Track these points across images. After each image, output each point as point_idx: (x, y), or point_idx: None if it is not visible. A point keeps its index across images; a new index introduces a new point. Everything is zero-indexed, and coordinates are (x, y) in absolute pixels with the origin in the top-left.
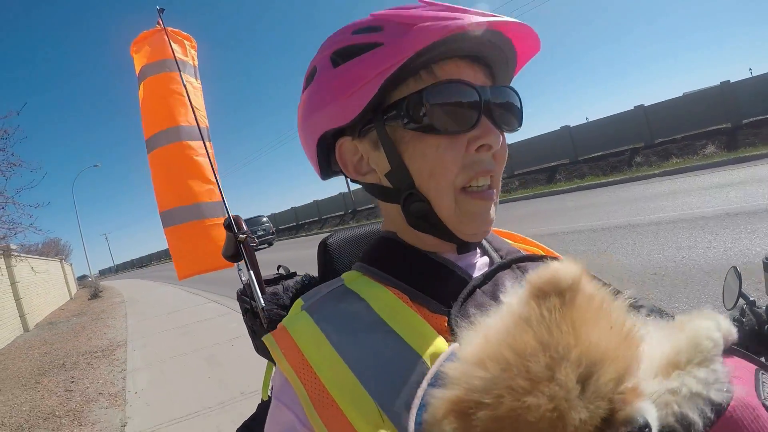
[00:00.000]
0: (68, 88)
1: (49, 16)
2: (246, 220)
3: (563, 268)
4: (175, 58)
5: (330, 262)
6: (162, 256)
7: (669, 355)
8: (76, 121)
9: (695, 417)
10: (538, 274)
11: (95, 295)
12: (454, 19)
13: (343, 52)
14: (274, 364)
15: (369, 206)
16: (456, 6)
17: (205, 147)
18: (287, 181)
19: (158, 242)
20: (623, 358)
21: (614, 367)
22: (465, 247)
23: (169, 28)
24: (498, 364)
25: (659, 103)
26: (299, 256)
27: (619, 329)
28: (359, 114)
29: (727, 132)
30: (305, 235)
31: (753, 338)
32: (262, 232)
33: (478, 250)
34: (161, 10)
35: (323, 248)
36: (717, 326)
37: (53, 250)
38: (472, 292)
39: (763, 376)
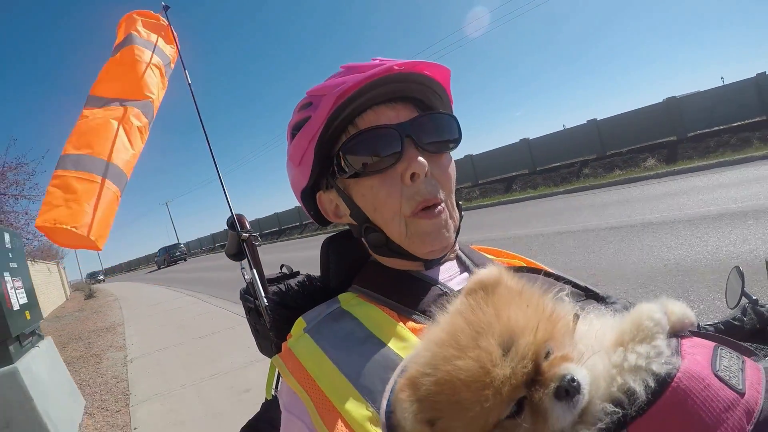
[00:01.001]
0: (54, 99)
1: (43, 27)
2: (168, 246)
3: (486, 271)
4: (167, 54)
5: (332, 260)
6: (150, 260)
7: (616, 336)
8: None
9: (636, 386)
10: (470, 279)
11: (90, 295)
12: (343, 83)
13: (294, 127)
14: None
15: None
16: (363, 64)
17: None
18: (272, 186)
19: (146, 248)
20: (544, 330)
21: (534, 335)
22: (430, 263)
23: (171, 28)
24: (436, 343)
25: (611, 117)
26: (281, 258)
27: (539, 309)
28: (311, 175)
29: (669, 145)
30: (283, 240)
31: (754, 337)
32: (179, 253)
33: (459, 268)
34: (166, 7)
35: (326, 247)
36: (661, 308)
37: (47, 254)
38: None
39: (722, 350)
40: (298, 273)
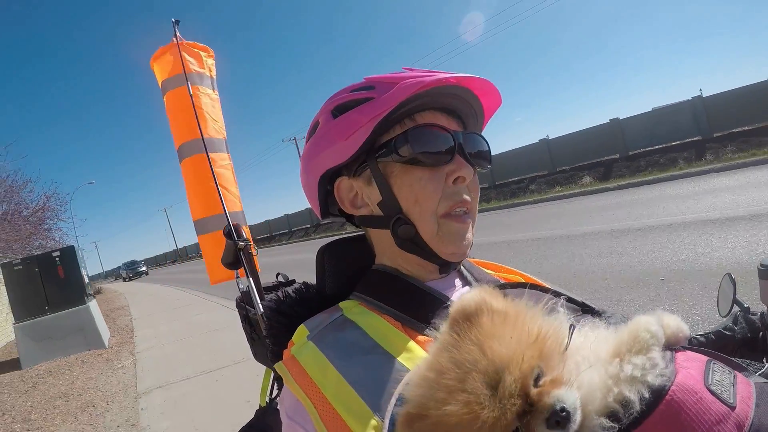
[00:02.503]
0: (57, 103)
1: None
2: (128, 263)
3: (467, 298)
4: (192, 71)
5: (328, 267)
6: (150, 264)
7: (613, 347)
8: (65, 134)
9: (632, 396)
10: (452, 307)
11: (98, 292)
12: (429, 76)
13: (342, 107)
14: (273, 371)
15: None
16: (432, 70)
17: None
18: (264, 195)
19: (143, 251)
20: (530, 357)
21: (520, 368)
22: (446, 268)
23: (186, 42)
24: (426, 383)
25: (561, 136)
26: (272, 261)
27: (524, 335)
28: (355, 153)
29: (606, 164)
30: (273, 245)
31: (746, 345)
32: (142, 268)
33: (460, 281)
34: (176, 22)
35: (322, 254)
36: (657, 321)
37: None
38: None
39: (714, 365)
40: (294, 281)
